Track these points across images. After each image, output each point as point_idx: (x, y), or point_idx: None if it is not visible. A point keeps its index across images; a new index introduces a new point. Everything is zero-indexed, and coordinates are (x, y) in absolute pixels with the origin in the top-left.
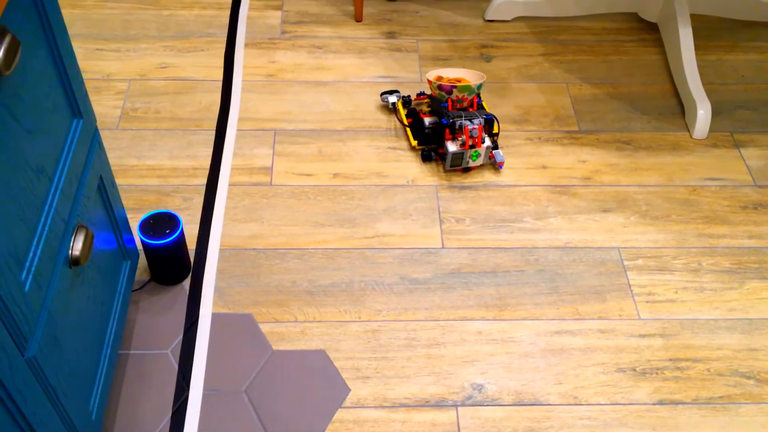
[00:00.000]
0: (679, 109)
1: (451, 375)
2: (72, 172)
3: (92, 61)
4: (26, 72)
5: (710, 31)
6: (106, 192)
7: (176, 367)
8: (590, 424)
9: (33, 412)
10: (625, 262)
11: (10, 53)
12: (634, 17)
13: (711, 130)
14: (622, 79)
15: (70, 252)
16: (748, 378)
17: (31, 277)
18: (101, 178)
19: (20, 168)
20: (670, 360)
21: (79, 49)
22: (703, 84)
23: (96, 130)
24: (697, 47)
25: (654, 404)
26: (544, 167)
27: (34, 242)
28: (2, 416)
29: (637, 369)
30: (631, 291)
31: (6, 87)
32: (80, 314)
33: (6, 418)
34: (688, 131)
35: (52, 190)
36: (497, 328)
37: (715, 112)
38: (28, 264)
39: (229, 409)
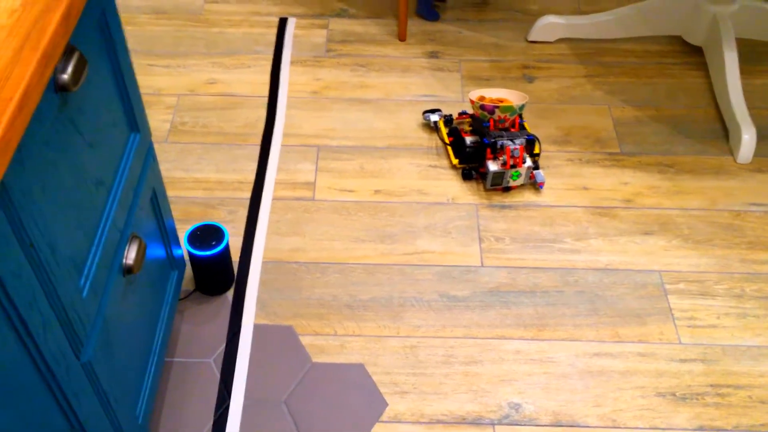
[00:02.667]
0: (723, 133)
1: (489, 393)
2: (128, 184)
3: (144, 77)
4: (90, 88)
5: (756, 55)
6: (158, 203)
7: (218, 375)
8: None
9: (86, 414)
10: (666, 286)
11: (77, 71)
12: (678, 40)
13: (756, 154)
14: (666, 102)
15: (124, 261)
16: None
17: (88, 283)
18: (154, 191)
19: (81, 179)
20: (711, 386)
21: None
22: (749, 108)
23: (150, 143)
24: (742, 71)
25: (694, 430)
26: (585, 188)
27: (92, 250)
28: (58, 417)
29: (677, 394)
30: (672, 315)
31: (72, 102)
32: (131, 322)
33: (62, 419)
34: (732, 155)
35: (110, 201)
36: (535, 348)
37: (761, 137)
38: (86, 271)
39: (269, 419)
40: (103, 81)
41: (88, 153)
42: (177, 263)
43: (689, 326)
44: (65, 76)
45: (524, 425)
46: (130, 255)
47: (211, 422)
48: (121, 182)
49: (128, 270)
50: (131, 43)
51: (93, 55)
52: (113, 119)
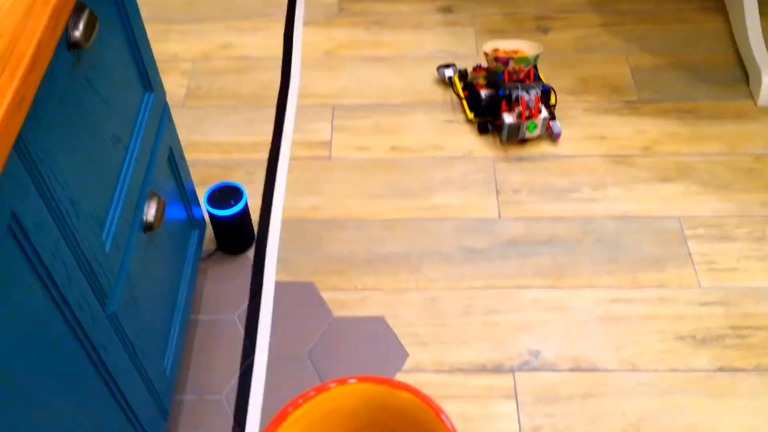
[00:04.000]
0: (743, 77)
1: (508, 341)
2: (145, 142)
3: (159, 43)
4: (103, 46)
5: None
6: (175, 163)
7: (243, 332)
8: (648, 391)
9: (114, 364)
10: (686, 232)
11: (89, 27)
12: None
13: None
14: (684, 48)
15: (144, 217)
16: None
17: (110, 238)
18: (171, 150)
19: (99, 136)
20: (731, 328)
21: (146, 31)
22: None
23: (166, 103)
24: (762, 13)
25: (714, 371)
26: (602, 137)
27: (113, 206)
28: (88, 367)
29: (697, 337)
30: (692, 260)
31: (85, 59)
32: (154, 278)
33: (91, 369)
34: (753, 99)
35: (127, 158)
36: (554, 297)
37: None
38: (107, 226)
39: (293, 372)
40: (115, 40)
41: (104, 110)
42: (197, 223)
43: (709, 270)
44: (77, 33)
45: (544, 371)
46: (150, 212)
47: (237, 375)
48: (138, 140)
49: (149, 227)
50: (146, 11)
51: (104, 14)
52: (127, 78)
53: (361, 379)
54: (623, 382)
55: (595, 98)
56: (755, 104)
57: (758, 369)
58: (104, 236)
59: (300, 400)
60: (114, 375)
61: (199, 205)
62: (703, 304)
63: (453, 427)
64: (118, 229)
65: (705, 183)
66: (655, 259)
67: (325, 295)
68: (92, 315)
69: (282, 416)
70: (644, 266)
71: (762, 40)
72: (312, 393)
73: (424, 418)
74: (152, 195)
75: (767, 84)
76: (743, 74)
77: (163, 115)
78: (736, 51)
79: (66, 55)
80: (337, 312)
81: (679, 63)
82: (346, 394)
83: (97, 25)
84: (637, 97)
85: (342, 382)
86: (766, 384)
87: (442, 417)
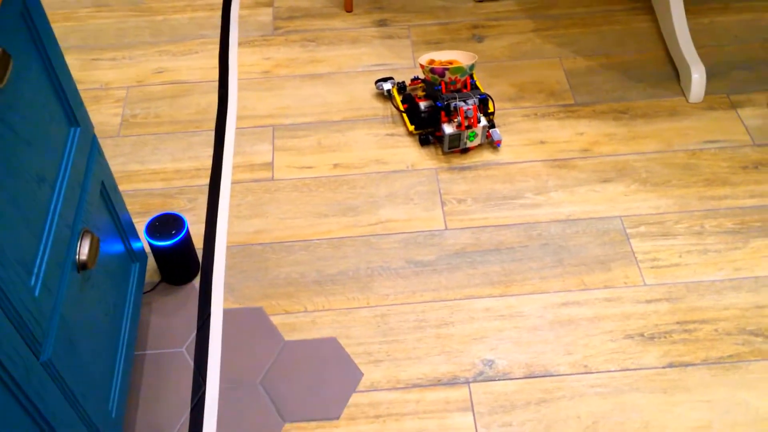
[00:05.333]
0: (674, 75)
1: (462, 353)
2: (73, 179)
3: (89, 71)
4: (20, 85)
5: None
6: (109, 197)
7: (192, 364)
8: (602, 391)
9: (53, 413)
10: (628, 230)
11: (2, 67)
12: None
13: (707, 92)
14: (615, 49)
15: (77, 257)
16: (757, 335)
17: (40, 282)
18: (103, 184)
19: (21, 177)
20: (678, 323)
21: (75, 60)
22: (697, 47)
23: (94, 137)
24: (688, 11)
25: (664, 367)
26: (542, 142)
27: (41, 248)
28: (23, 418)
29: (645, 334)
30: (636, 258)
31: (1, 100)
32: (93, 317)
33: (26, 420)
34: (684, 96)
35: (55, 197)
36: (504, 304)
37: (711, 75)
38: (36, 270)
39: (247, 402)
40: (33, 76)
41: (26, 150)
42: (137, 256)
43: (653, 267)
44: None
45: (498, 380)
46: (83, 250)
47: (189, 410)
48: (65, 177)
49: (82, 266)
50: (73, 39)
51: (18, 51)
52: (50, 114)
53: None
54: (577, 385)
55: (532, 104)
56: (687, 101)
57: (706, 362)
58: (32, 281)
59: None
60: (53, 424)
61: (138, 238)
62: (649, 301)
63: None
64: (48, 271)
65: (644, 181)
66: (600, 260)
67: (275, 320)
68: (25, 366)
69: None
70: (590, 268)
71: (689, 38)
72: None
73: None
74: (85, 233)
75: (697, 80)
76: (674, 72)
77: (92, 149)
78: (666, 50)
79: None
80: (288, 336)
81: (612, 64)
82: None
83: (11, 64)
84: (574, 101)
85: None
86: (714, 377)
87: None
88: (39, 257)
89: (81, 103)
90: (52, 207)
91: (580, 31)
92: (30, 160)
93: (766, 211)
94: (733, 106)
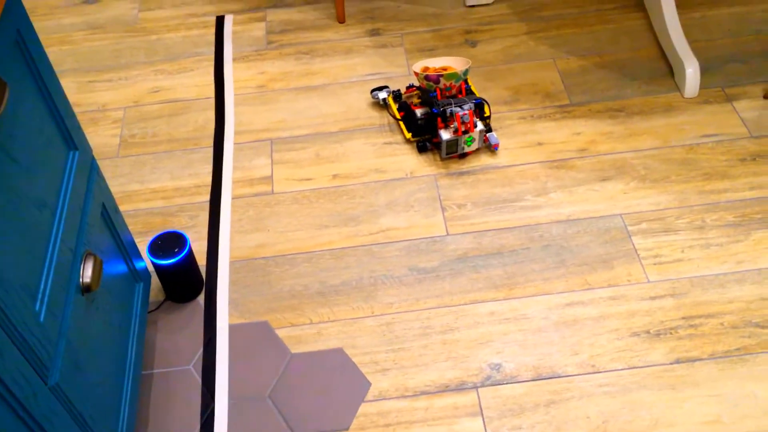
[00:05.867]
0: (668, 71)
1: (468, 358)
2: (74, 202)
3: (86, 94)
4: (17, 112)
5: None
6: (110, 218)
7: (200, 381)
8: (610, 390)
9: None
10: (629, 228)
11: None
12: None
13: (702, 87)
14: (609, 48)
15: (80, 280)
16: (763, 327)
17: (45, 307)
18: (104, 206)
19: (22, 204)
20: (683, 318)
21: (72, 83)
22: (690, 42)
23: (93, 159)
24: (680, 6)
25: (671, 364)
26: (540, 144)
27: (44, 273)
28: None
29: (651, 331)
30: (638, 255)
31: None
32: (99, 339)
33: None
34: (679, 91)
35: (56, 221)
36: (509, 307)
37: (705, 69)
38: (40, 295)
39: (256, 416)
40: (30, 103)
41: (25, 177)
42: (141, 275)
43: (655, 264)
44: None
45: (506, 383)
46: (86, 273)
47: (198, 427)
48: (66, 201)
49: (86, 288)
50: (70, 63)
51: (14, 79)
52: (47, 140)
53: None
54: (585, 385)
55: (528, 106)
56: (682, 96)
57: (713, 356)
58: (37, 306)
59: None
60: None
61: (141, 257)
62: (653, 298)
63: None
64: (52, 296)
65: (642, 178)
66: (602, 259)
67: (281, 333)
68: (33, 390)
69: None
70: (593, 267)
71: (682, 33)
72: None
73: None
74: (88, 255)
75: (691, 75)
76: (668, 68)
77: (92, 172)
78: (659, 46)
79: None
80: (295, 348)
81: (606, 63)
82: None
83: (7, 92)
84: (569, 101)
85: None
86: (722, 371)
87: None
88: (43, 282)
89: (79, 127)
90: (54, 231)
91: (573, 32)
92: (30, 186)
93: (766, 203)
94: (729, 99)
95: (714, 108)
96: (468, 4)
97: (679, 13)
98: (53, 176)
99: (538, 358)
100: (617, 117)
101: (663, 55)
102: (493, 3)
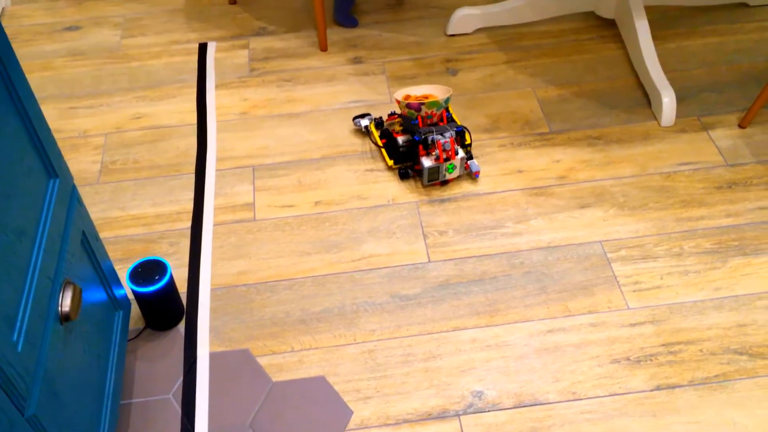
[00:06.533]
0: (645, 100)
1: (450, 385)
2: (53, 230)
3: (67, 120)
4: None
5: (667, 20)
6: (90, 246)
7: (179, 410)
8: (592, 418)
9: None
10: (609, 255)
11: None
12: (591, 16)
13: (678, 116)
14: (587, 77)
15: (59, 309)
16: (741, 354)
17: (22, 337)
18: (84, 234)
19: (1, 232)
20: (663, 345)
21: (53, 109)
22: (666, 72)
23: (74, 187)
24: (655, 37)
25: (652, 390)
26: (520, 171)
27: (23, 302)
28: None
29: (631, 358)
30: (618, 282)
31: None
32: (78, 369)
33: None
34: (656, 120)
35: (35, 250)
36: (490, 334)
37: (680, 98)
38: (18, 324)
39: None
40: (10, 130)
41: (5, 204)
42: (121, 303)
43: (635, 291)
44: None
45: (488, 411)
46: (65, 302)
47: None
48: (45, 229)
49: (65, 317)
50: (51, 89)
51: None
52: (27, 168)
53: None
54: (566, 413)
55: (508, 134)
56: (659, 125)
57: (692, 383)
58: (15, 336)
59: None
60: None
61: (121, 285)
62: (633, 324)
63: None
64: (30, 325)
65: (621, 205)
66: (582, 286)
67: (262, 361)
68: (9, 422)
69: None
70: (573, 294)
71: (658, 64)
72: None
73: None
74: (67, 284)
75: (668, 105)
76: (645, 97)
77: (72, 200)
78: (636, 76)
79: None
80: (276, 377)
81: (584, 92)
82: None
83: None
84: (549, 129)
85: None
86: (702, 397)
87: None
88: (21, 311)
89: (59, 155)
90: (33, 260)
91: (552, 61)
92: (9, 215)
93: (741, 230)
94: (704, 128)
95: (690, 137)
96: (449, 33)
97: (655, 44)
98: (33, 204)
99: (520, 385)
100: (596, 145)
101: (640, 85)
102: (473, 32)
